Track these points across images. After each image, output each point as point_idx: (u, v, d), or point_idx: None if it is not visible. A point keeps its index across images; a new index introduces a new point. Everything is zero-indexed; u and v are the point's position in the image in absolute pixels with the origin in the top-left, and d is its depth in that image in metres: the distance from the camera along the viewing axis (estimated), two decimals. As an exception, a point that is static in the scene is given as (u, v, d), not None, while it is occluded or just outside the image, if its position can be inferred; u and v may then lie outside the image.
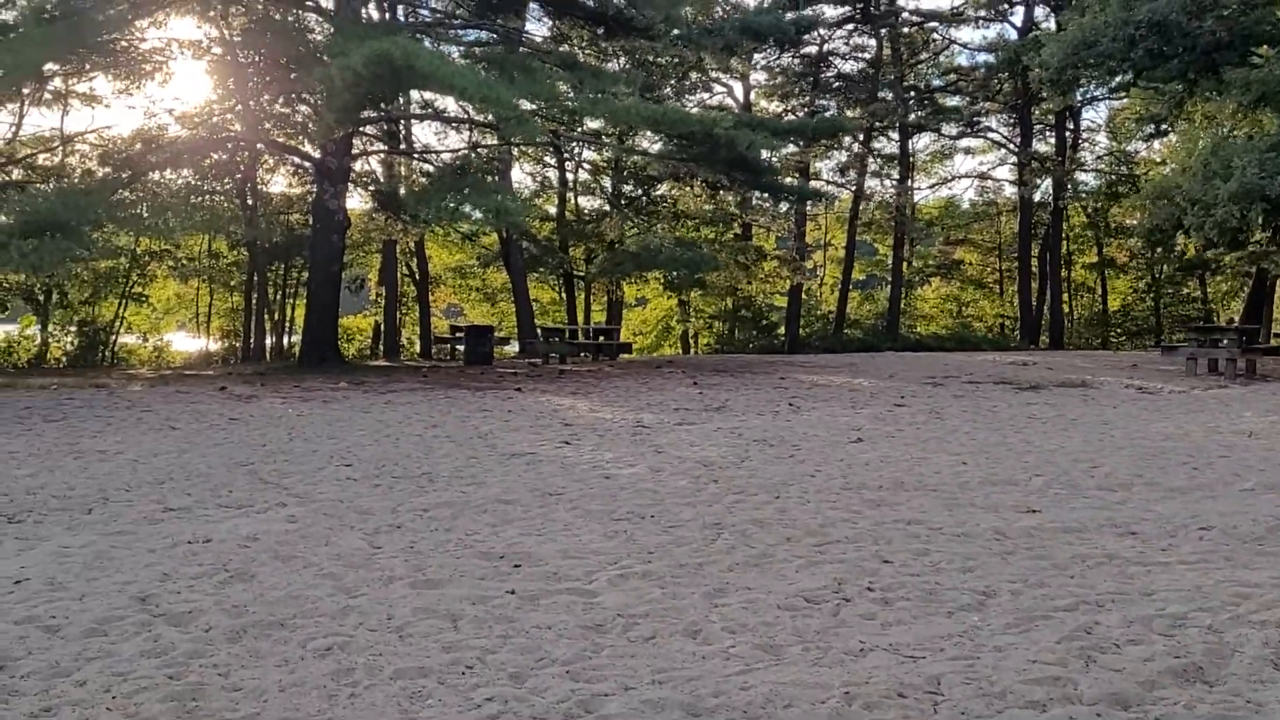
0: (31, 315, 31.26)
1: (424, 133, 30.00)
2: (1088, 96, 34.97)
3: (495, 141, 25.90)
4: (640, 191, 32.84)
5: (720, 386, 16.29)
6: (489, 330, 24.72)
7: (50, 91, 27.37)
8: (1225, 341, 18.35)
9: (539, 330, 25.51)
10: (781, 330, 38.09)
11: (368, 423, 11.55)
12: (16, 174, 27.25)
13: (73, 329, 30.49)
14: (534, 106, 16.32)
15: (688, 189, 29.93)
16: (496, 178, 24.26)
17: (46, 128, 30.85)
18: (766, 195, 34.01)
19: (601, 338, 25.99)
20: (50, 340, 29.97)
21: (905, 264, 39.11)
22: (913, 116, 35.70)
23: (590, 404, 13.79)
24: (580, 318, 34.82)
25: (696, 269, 22.16)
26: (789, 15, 19.90)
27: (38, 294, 29.95)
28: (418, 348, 32.56)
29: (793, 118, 28.56)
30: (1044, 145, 37.48)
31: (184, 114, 27.11)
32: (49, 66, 25.35)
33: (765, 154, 20.41)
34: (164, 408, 12.81)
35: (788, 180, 21.42)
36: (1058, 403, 13.53)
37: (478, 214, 17.34)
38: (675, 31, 19.71)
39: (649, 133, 26.96)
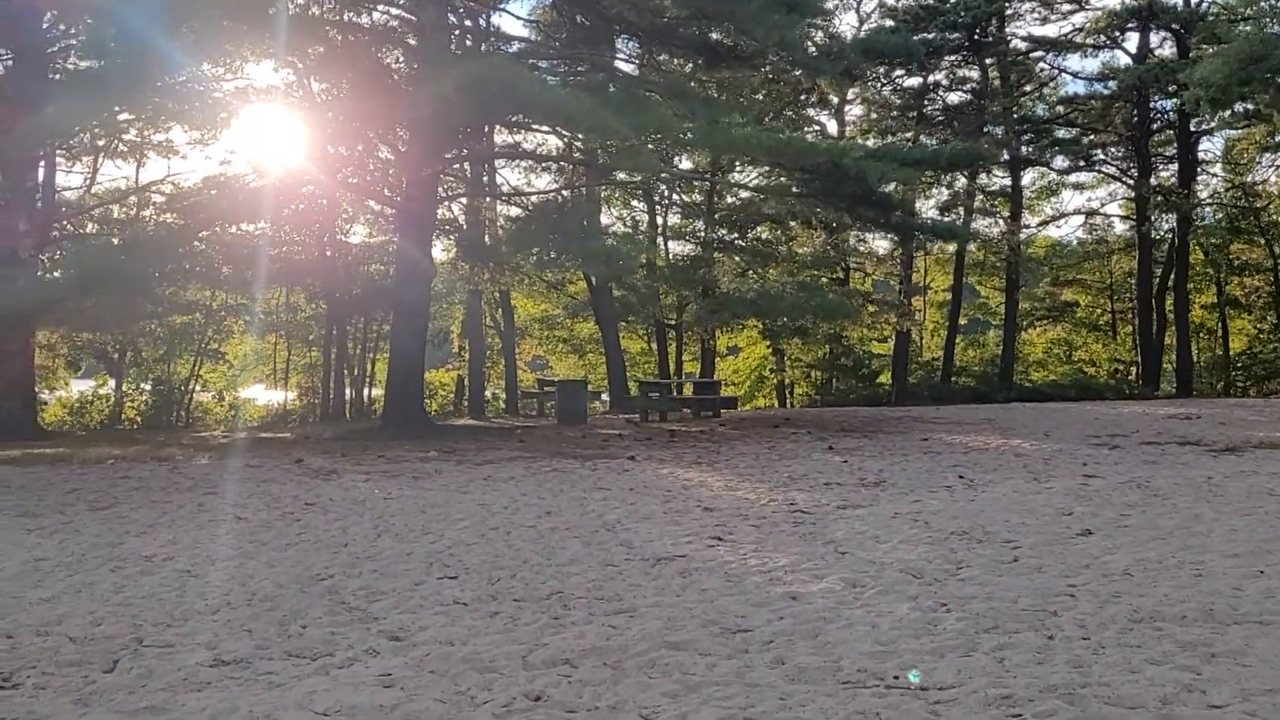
0: (105, 374, 30.14)
1: (508, 177, 28.36)
2: (1202, 127, 32.57)
3: (585, 182, 24.19)
4: (735, 234, 30.91)
5: (860, 451, 14.19)
6: (582, 385, 22.89)
7: (126, 142, 26.32)
8: None
9: (637, 384, 23.62)
10: (883, 379, 35.86)
11: (468, 509, 9.65)
12: (91, 227, 26.15)
13: (147, 387, 29.26)
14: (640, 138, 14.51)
15: (797, 229, 27.77)
16: (585, 222, 22.50)
17: (121, 179, 29.90)
18: (867, 234, 32.11)
19: (705, 392, 23.98)
20: (124, 399, 28.74)
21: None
22: (1023, 150, 33.41)
23: (722, 478, 11.76)
24: (671, 369, 32.93)
25: (829, 316, 20.04)
26: (916, 36, 17.90)
27: (111, 351, 28.79)
28: (503, 403, 30.85)
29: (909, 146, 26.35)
30: (1154, 180, 34.94)
31: (259, 164, 25.92)
32: (124, 116, 24.30)
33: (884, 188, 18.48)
34: (231, 489, 11.04)
35: (918, 217, 19.27)
36: (1286, 472, 11.26)
37: (575, 260, 15.48)
38: (790, 57, 17.84)
39: (752, 168, 25.17)
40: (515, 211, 25.92)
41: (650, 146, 13.60)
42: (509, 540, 8.10)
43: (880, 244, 34.91)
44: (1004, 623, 5.51)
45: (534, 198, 23.28)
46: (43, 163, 19.05)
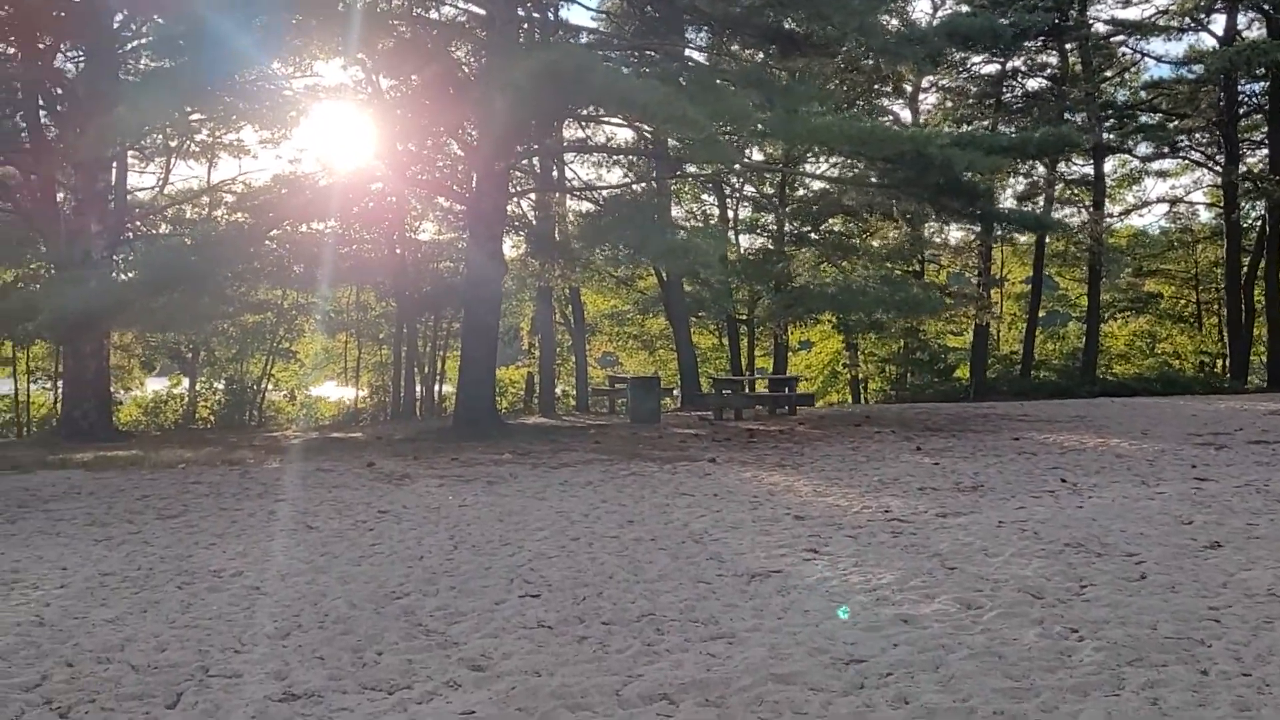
0: (179, 373, 30.29)
1: (577, 172, 27.91)
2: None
3: (656, 175, 23.72)
4: (808, 227, 30.19)
5: (951, 452, 13.59)
6: (655, 382, 22.38)
7: (198, 143, 26.36)
8: None
9: (711, 381, 23.11)
10: (960, 373, 34.98)
11: (547, 517, 9.24)
12: (164, 228, 26.23)
13: (220, 386, 29.33)
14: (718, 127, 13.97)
15: (875, 221, 26.94)
16: (657, 216, 22.01)
17: (194, 180, 30.03)
18: (945, 225, 31.27)
19: (780, 389, 23.41)
20: (198, 399, 28.84)
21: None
22: (1105, 137, 32.29)
23: (809, 482, 11.24)
24: (743, 364, 32.34)
25: (913, 311, 19.37)
26: (1003, 19, 17.17)
27: (184, 351, 28.91)
28: (573, 401, 30.50)
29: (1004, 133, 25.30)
30: (1243, 166, 33.55)
31: (328, 163, 25.81)
32: (195, 117, 24.30)
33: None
34: (302, 495, 10.73)
35: (1005, 207, 18.50)
36: None
37: (650, 255, 15.02)
38: (869, 42, 17.22)
39: (827, 159, 24.52)
40: (586, 207, 25.54)
41: (727, 137, 13.06)
42: (592, 552, 7.67)
43: (956, 235, 34.08)
44: (1147, 653, 4.97)
45: (604, 192, 22.84)
46: (115, 164, 19.03)
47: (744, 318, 32.00)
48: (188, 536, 8.52)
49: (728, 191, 31.24)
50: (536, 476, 11.97)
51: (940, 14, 26.77)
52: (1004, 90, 32.07)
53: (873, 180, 16.99)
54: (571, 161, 26.12)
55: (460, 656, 5.21)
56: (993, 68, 31.53)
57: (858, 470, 12.05)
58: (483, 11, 17.51)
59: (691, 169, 26.80)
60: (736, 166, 20.08)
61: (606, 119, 21.66)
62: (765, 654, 5.13)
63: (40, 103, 18.64)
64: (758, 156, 26.81)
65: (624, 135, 26.21)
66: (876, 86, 27.43)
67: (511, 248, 25.94)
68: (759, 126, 14.11)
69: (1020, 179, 32.76)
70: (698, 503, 9.90)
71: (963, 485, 10.70)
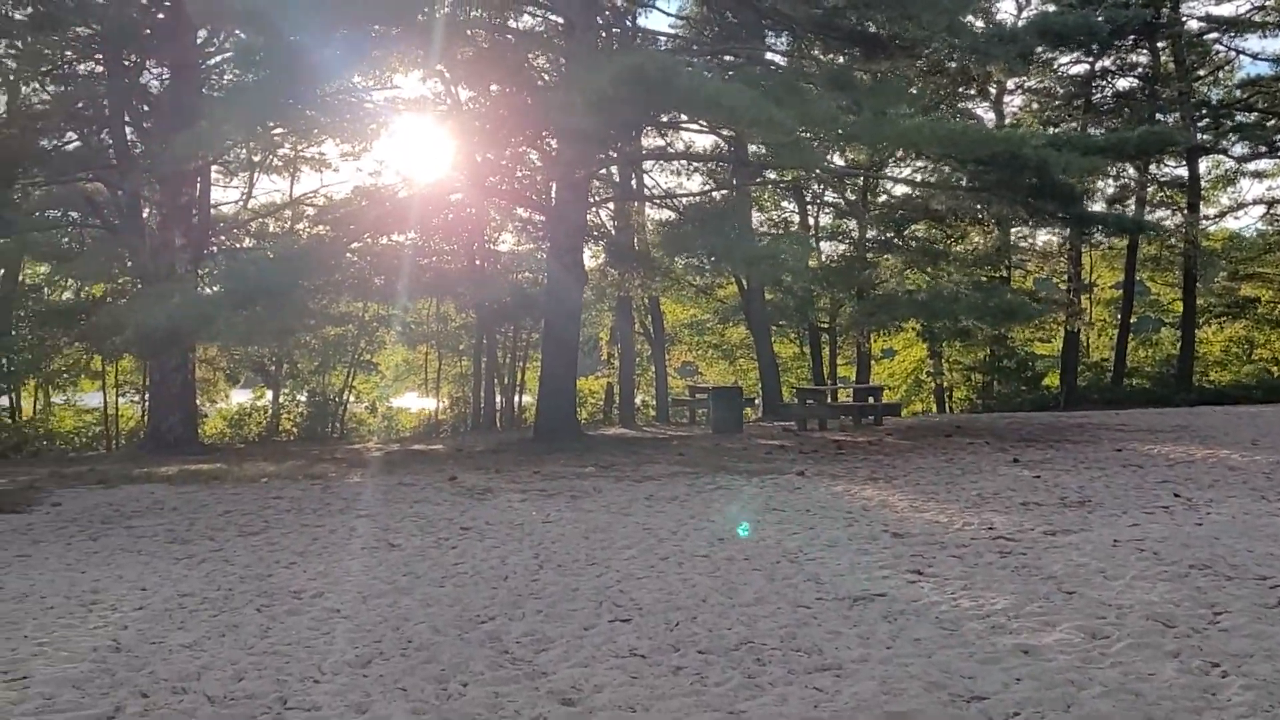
0: (263, 386, 30.52)
1: (656, 179, 27.61)
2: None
3: (737, 182, 23.34)
4: (891, 233, 29.55)
5: (1050, 464, 13.04)
6: (737, 392, 22.04)
7: (280, 157, 26.60)
8: None
9: (794, 391, 22.66)
10: (1048, 381, 34.03)
11: (633, 534, 8.92)
12: (248, 242, 26.46)
13: (302, 399, 29.50)
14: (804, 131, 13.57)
15: (964, 226, 26.19)
16: (738, 224, 21.63)
17: (276, 194, 30.27)
18: (1033, 229, 30.48)
19: (867, 398, 22.87)
20: (281, 411, 29.03)
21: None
22: (1199, 137, 31.19)
23: (904, 497, 10.79)
24: (824, 373, 31.78)
25: (1009, 319, 18.74)
26: (1099, 15, 16.54)
27: (267, 364, 29.12)
28: (653, 411, 30.19)
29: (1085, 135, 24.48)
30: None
31: (408, 176, 25.88)
32: (277, 131, 24.48)
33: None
34: (383, 511, 10.54)
35: (1099, 210, 17.78)
36: None
37: (733, 263, 14.67)
38: (958, 43, 16.72)
39: (912, 163, 23.96)
40: (664, 215, 25.25)
41: (811, 141, 12.69)
42: (682, 573, 7.34)
43: (1045, 239, 33.19)
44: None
45: (684, 200, 22.54)
46: (199, 178, 19.16)
47: (825, 326, 31.49)
48: (268, 554, 8.35)
49: (808, 198, 30.74)
50: (621, 490, 11.67)
51: (1026, 13, 26.00)
52: (1093, 91, 31.20)
53: (962, 184, 16.42)
54: (650, 170, 25.85)
55: (550, 688, 4.91)
56: (1081, 68, 30.69)
57: (954, 484, 11.57)
58: (562, 20, 17.34)
59: (772, 175, 26.42)
60: (819, 171, 19.49)
61: (686, 125, 21.37)
62: (876, 688, 4.76)
63: (126, 119, 18.84)
64: (838, 161, 26.33)
65: (702, 142, 25.92)
66: (961, 89, 26.74)
67: (590, 257, 25.76)
68: (846, 130, 13.69)
69: (1110, 182, 31.81)
70: (789, 519, 9.53)
71: (1068, 500, 10.18)
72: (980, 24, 21.68)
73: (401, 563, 7.92)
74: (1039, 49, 17.39)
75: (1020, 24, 18.39)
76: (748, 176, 22.29)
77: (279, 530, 9.52)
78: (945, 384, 36.15)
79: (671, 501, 10.73)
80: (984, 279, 29.98)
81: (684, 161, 24.70)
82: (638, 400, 30.75)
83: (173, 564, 8.06)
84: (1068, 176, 15.18)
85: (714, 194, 23.55)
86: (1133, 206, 31.82)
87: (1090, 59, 29.85)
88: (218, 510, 10.79)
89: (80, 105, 17.99)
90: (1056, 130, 30.48)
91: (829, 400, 22.00)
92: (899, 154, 22.88)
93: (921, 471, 12.70)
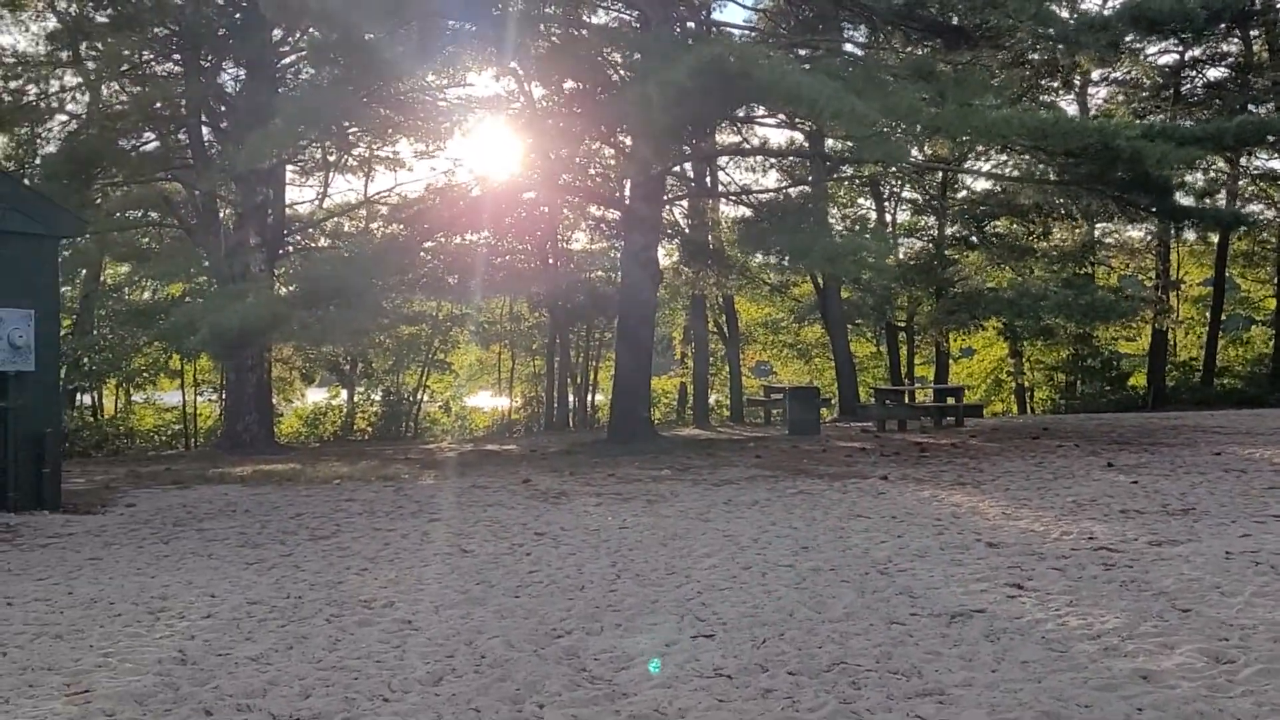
0: (338, 385, 30.67)
1: (732, 176, 27.16)
2: None
3: (814, 178, 22.89)
4: (969, 230, 28.82)
5: (1147, 469, 12.47)
6: (814, 392, 21.54)
7: (354, 156, 26.64)
8: None
9: (872, 391, 22.18)
10: (1134, 381, 33.03)
11: (714, 541, 8.59)
12: (323, 241, 26.57)
13: (377, 398, 29.59)
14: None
15: (1047, 221, 25.32)
16: (815, 220, 21.16)
17: (351, 194, 30.45)
18: (1118, 224, 29.56)
19: (948, 399, 22.31)
20: (356, 410, 29.15)
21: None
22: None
23: (995, 503, 10.33)
24: (901, 373, 31.16)
25: (1101, 317, 18.09)
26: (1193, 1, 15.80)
27: (342, 364, 29.24)
28: (727, 411, 29.81)
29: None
30: None
31: (481, 174, 25.77)
32: (353, 131, 24.52)
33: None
34: (456, 515, 10.32)
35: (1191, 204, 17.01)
36: None
37: (813, 259, 14.25)
38: (1047, 31, 16.16)
39: (991, 157, 23.34)
40: (740, 212, 24.87)
41: (898, 134, 12.26)
42: (766, 584, 7.00)
43: (1132, 235, 32.18)
44: None
45: (760, 197, 22.11)
46: (273, 178, 19.17)
47: (903, 325, 30.90)
48: (339, 560, 8.15)
49: (885, 194, 30.17)
50: (698, 495, 11.34)
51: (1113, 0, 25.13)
52: (1182, 81, 30.18)
53: (1050, 177, 15.81)
54: (725, 166, 25.47)
55: (631, 712, 4.60)
56: (1169, 58, 29.72)
57: (1047, 489, 11.07)
58: (636, 13, 17.09)
59: (848, 170, 25.91)
60: (902, 165, 18.92)
61: (762, 120, 20.98)
62: (985, 717, 4.39)
63: (204, 119, 18.91)
64: (916, 155, 25.69)
65: (777, 138, 25.46)
66: (1044, 81, 25.97)
67: (665, 256, 25.48)
68: (930, 122, 13.22)
69: (1199, 175, 30.74)
70: (875, 526, 9.13)
71: (1171, 508, 9.66)
72: (1066, 13, 21.06)
73: (475, 570, 7.67)
74: (1129, 38, 16.66)
75: (1109, 11, 17.65)
76: (825, 172, 21.79)
77: (350, 534, 9.33)
78: (1026, 384, 35.31)
79: (751, 506, 10.38)
80: (1070, 276, 29.18)
81: (760, 158, 24.29)
82: (711, 400, 30.41)
83: (243, 569, 7.89)
84: (1162, 169, 14.54)
85: (790, 190, 23.12)
86: (1223, 200, 30.75)
87: (1181, 48, 28.87)
88: (289, 513, 10.65)
89: (158, 105, 18.07)
90: (1145, 121, 29.58)
91: (908, 400, 21.42)
92: (980, 148, 22.26)
93: (1011, 476, 12.20)
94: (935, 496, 10.77)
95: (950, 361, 34.74)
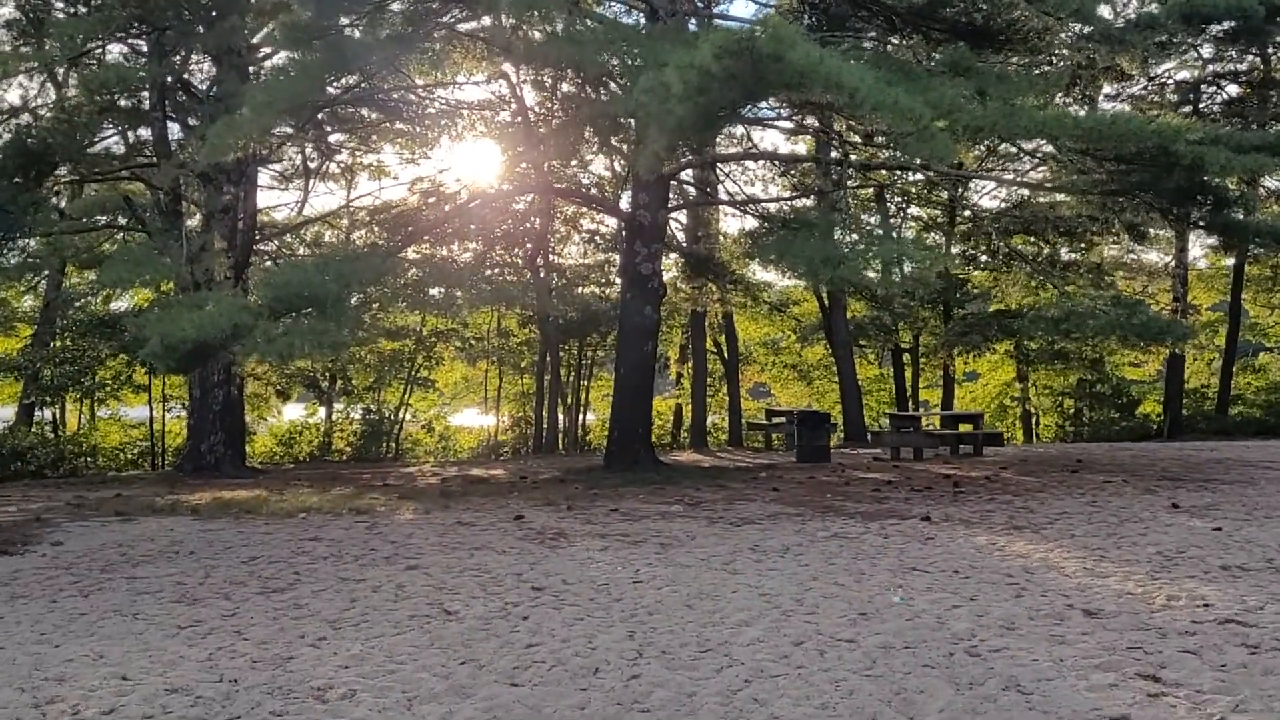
0: (315, 402, 29.05)
1: (737, 185, 25.63)
2: None
3: (829, 185, 21.47)
4: (986, 246, 27.39)
5: (1218, 511, 11.01)
6: (824, 417, 20.09)
7: (337, 163, 25.23)
8: None
9: (888, 417, 20.74)
10: (1145, 409, 31.70)
11: (749, 602, 7.07)
12: (302, 251, 25.09)
13: (356, 416, 27.98)
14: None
15: (1093, 237, 23.75)
16: (841, 230, 19.63)
17: (334, 204, 29.02)
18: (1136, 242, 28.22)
19: (966, 426, 20.87)
20: (333, 429, 27.54)
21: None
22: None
23: (1067, 552, 8.81)
24: (907, 396, 29.74)
25: (1155, 338, 16.63)
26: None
27: (320, 380, 27.65)
28: (723, 435, 28.31)
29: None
30: None
31: (469, 181, 24.38)
32: (335, 137, 23.17)
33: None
34: (438, 561, 8.76)
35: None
36: None
37: (845, 271, 12.80)
38: (1089, 30, 14.83)
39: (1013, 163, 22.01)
40: (746, 224, 23.49)
41: (942, 130, 10.83)
42: (828, 667, 5.51)
43: (1150, 257, 30.88)
44: None
45: (770, 205, 20.70)
46: (244, 179, 17.66)
47: (908, 347, 29.54)
48: (293, 625, 6.61)
49: (891, 210, 28.75)
50: (718, 537, 9.83)
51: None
52: (1200, 97, 28.83)
53: (1090, 184, 14.36)
54: (727, 175, 24.00)
55: None
56: (1188, 73, 28.37)
57: (1118, 535, 9.60)
58: (644, 6, 15.72)
59: (853, 181, 24.54)
60: (937, 170, 17.40)
61: (772, 123, 19.60)
62: None
63: (168, 113, 17.38)
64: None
65: (780, 144, 24.01)
66: (1074, 87, 24.48)
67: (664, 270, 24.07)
68: (974, 120, 11.81)
69: (1245, 187, 29.27)
70: (939, 583, 7.64)
71: (1273, 560, 8.22)
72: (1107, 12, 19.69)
73: (460, 641, 6.16)
74: (1178, 37, 15.34)
75: (1154, 8, 16.29)
76: (847, 177, 20.27)
77: (311, 585, 7.80)
78: (1032, 409, 33.97)
79: (783, 554, 8.87)
80: (1119, 295, 27.62)
81: (767, 164, 22.86)
82: (707, 422, 28.90)
83: (171, 636, 6.35)
84: (1224, 176, 13.17)
85: (802, 198, 21.65)
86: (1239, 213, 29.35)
87: (1234, 49, 27.35)
88: (242, 555, 9.09)
89: (117, 96, 16.51)
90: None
91: (925, 427, 19.98)
92: (1010, 151, 20.75)
93: (1069, 518, 10.72)
94: (994, 544, 9.28)
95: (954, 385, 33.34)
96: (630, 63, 11.59)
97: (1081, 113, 14.50)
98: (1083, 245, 24.95)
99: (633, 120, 11.36)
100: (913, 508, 11.64)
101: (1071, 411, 32.89)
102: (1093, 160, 13.69)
